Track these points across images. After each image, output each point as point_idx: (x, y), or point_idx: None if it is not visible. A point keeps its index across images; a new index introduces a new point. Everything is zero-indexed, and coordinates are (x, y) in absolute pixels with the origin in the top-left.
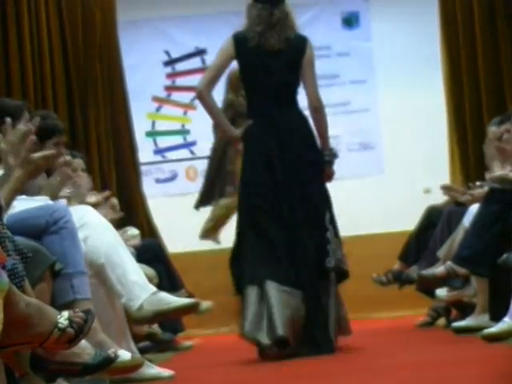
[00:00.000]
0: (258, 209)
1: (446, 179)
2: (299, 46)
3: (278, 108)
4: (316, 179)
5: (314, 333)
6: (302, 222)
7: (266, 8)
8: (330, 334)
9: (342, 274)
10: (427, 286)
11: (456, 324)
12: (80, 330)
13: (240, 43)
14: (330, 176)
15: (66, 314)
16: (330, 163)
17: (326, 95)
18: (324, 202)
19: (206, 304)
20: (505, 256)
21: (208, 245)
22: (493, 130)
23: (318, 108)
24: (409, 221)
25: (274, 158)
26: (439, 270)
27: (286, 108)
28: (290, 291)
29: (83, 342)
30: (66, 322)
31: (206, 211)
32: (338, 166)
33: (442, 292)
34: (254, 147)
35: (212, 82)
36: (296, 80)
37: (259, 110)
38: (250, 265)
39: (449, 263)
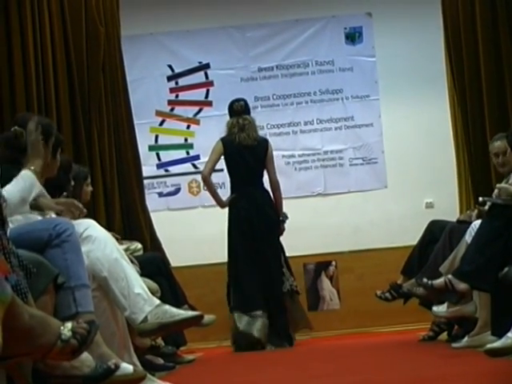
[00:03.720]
0: (240, 253)
1: (449, 194)
2: (263, 145)
3: (251, 186)
4: (275, 233)
5: (279, 332)
6: (270, 260)
7: (236, 118)
8: (291, 333)
9: (296, 292)
10: (428, 300)
11: (456, 345)
12: (83, 340)
13: (226, 144)
14: (282, 231)
15: (69, 325)
16: (283, 222)
17: (329, 110)
18: (280, 248)
19: (208, 317)
20: (506, 270)
21: (210, 259)
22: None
23: (276, 188)
24: (411, 235)
25: (253, 219)
26: (438, 281)
27: (256, 186)
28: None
29: (84, 354)
30: (69, 334)
31: (210, 224)
32: (341, 181)
33: (439, 308)
34: (238, 212)
35: (211, 170)
36: (262, 168)
37: (240, 187)
38: (236, 295)
39: (449, 276)
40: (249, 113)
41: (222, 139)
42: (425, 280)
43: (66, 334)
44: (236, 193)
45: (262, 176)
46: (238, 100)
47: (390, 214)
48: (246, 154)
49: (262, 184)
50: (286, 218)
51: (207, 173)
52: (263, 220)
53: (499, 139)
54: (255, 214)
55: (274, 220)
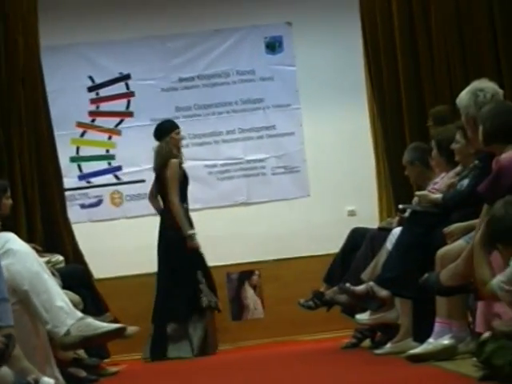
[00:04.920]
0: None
1: (370, 202)
2: (164, 169)
3: (162, 209)
4: (179, 250)
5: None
6: (175, 277)
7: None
8: (194, 345)
9: (215, 309)
10: (350, 307)
11: (378, 351)
12: (1, 354)
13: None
14: (193, 247)
15: None
16: (191, 239)
17: (251, 119)
18: (195, 264)
19: (131, 328)
20: (426, 276)
21: (133, 270)
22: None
23: (171, 209)
24: (334, 243)
25: (159, 239)
26: (359, 287)
27: (164, 209)
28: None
29: (4, 370)
30: None
31: (132, 236)
32: (263, 190)
33: (362, 316)
34: None
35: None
36: (165, 191)
37: None
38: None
39: (371, 283)
40: (160, 137)
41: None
42: (347, 285)
43: None
44: None
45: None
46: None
47: (313, 222)
48: (156, 181)
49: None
50: (192, 234)
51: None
52: (162, 241)
53: (410, 151)
54: (159, 236)
55: (174, 240)
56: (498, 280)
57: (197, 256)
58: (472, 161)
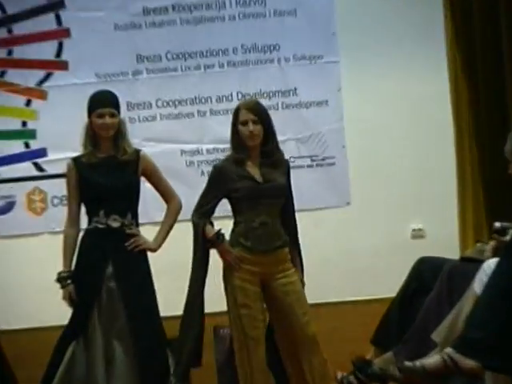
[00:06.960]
0: None
1: (448, 218)
2: None
3: None
4: None
5: None
6: None
7: None
8: None
9: None
10: None
11: None
12: None
13: None
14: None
15: None
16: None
17: (259, 78)
18: None
19: None
20: None
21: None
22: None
23: None
24: (389, 281)
25: None
26: (432, 360)
27: None
28: None
29: None
30: None
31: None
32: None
33: None
34: None
35: None
36: None
37: None
38: None
39: (449, 350)
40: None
41: None
42: (408, 364)
43: None
44: None
45: None
46: None
47: (354, 246)
48: None
49: None
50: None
51: None
52: None
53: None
54: None
55: None
56: None
57: None
58: None
